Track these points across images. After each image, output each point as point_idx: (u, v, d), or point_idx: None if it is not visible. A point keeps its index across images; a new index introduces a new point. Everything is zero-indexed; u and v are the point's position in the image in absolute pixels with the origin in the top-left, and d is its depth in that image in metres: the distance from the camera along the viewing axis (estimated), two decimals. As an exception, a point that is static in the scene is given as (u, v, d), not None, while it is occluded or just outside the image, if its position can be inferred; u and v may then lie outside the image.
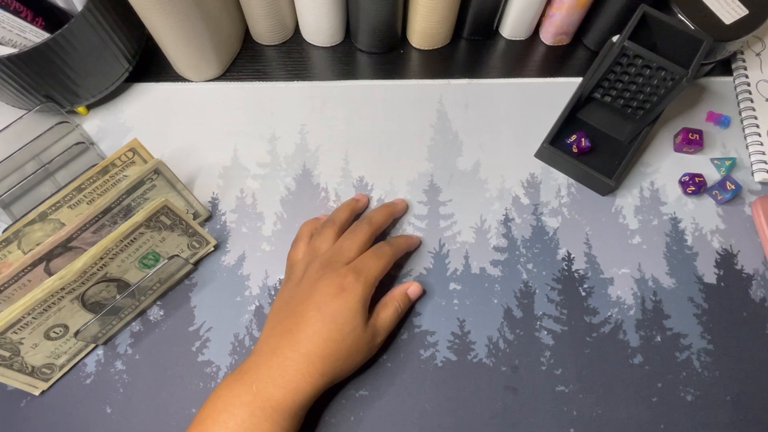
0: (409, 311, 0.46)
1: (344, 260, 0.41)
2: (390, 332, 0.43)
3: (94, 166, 0.43)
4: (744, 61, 0.55)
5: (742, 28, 0.48)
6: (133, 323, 0.45)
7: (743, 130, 0.53)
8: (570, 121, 0.51)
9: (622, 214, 0.50)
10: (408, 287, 0.44)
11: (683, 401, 0.43)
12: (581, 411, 0.43)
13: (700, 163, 0.52)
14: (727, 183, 0.49)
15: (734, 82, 0.55)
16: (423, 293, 0.46)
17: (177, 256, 0.43)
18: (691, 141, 0.51)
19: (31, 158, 0.50)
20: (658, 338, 0.45)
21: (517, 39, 0.58)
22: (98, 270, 0.39)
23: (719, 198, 0.49)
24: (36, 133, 0.49)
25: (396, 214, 0.48)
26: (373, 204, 0.50)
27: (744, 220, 0.49)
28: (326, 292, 0.39)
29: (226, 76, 0.56)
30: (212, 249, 0.47)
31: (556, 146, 0.50)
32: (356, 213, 0.47)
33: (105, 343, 0.44)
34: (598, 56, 0.49)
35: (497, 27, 0.58)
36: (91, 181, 0.43)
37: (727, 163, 0.51)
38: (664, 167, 0.52)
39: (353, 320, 0.39)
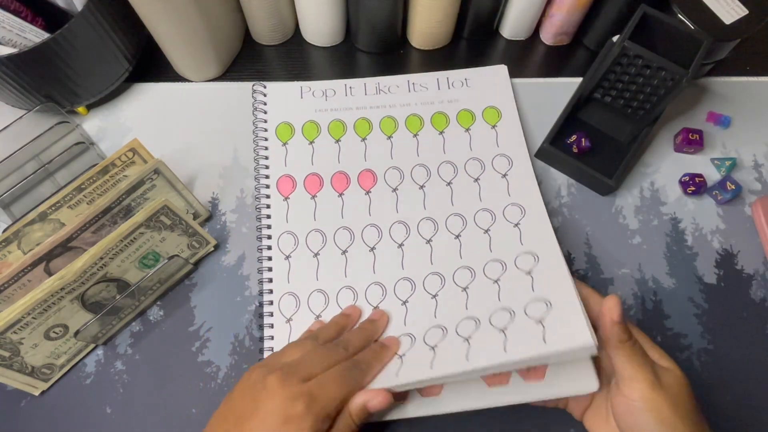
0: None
1: (302, 375, 0.35)
2: None
3: (94, 166, 0.43)
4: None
5: (742, 28, 0.48)
6: (133, 323, 0.45)
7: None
8: (570, 121, 0.51)
9: (622, 214, 0.50)
10: (366, 399, 0.35)
11: (683, 401, 0.43)
12: (581, 411, 0.42)
13: (700, 163, 0.52)
14: (727, 183, 0.49)
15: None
16: (388, 405, 0.36)
17: (177, 256, 0.43)
18: (691, 141, 0.51)
19: (31, 158, 0.50)
20: (658, 338, 0.45)
21: (517, 39, 0.58)
22: (98, 270, 0.39)
23: (719, 198, 0.49)
24: (36, 133, 0.48)
25: (383, 358, 0.39)
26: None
27: (744, 220, 0.49)
28: (267, 421, 0.33)
29: (226, 76, 0.56)
30: (212, 249, 0.47)
31: (556, 146, 0.50)
32: (345, 330, 0.41)
33: (105, 343, 0.44)
34: (598, 56, 0.49)
35: (497, 27, 0.58)
36: (91, 181, 0.43)
37: (727, 163, 0.51)
38: (664, 167, 0.52)
39: None
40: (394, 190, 0.48)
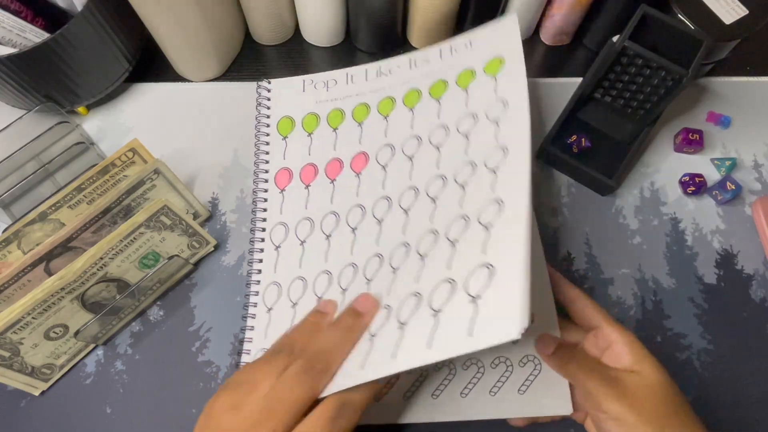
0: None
1: (275, 425, 0.30)
2: None
3: (94, 166, 0.43)
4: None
5: (742, 28, 0.48)
6: (133, 323, 0.45)
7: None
8: (570, 121, 0.51)
9: (622, 214, 0.50)
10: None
11: (683, 401, 0.43)
12: (581, 411, 0.43)
13: (700, 163, 0.52)
14: (727, 183, 0.49)
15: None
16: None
17: (177, 256, 0.43)
18: (692, 141, 0.51)
19: (31, 158, 0.50)
20: (658, 338, 0.45)
21: (517, 39, 0.58)
22: (98, 270, 0.39)
23: (719, 198, 0.49)
24: (36, 133, 0.49)
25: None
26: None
27: (744, 220, 0.49)
28: None
29: (226, 76, 0.56)
30: (212, 249, 0.47)
31: (556, 146, 0.50)
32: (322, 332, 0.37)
33: (105, 343, 0.44)
34: (599, 56, 0.49)
35: (497, 27, 0.58)
36: (91, 181, 0.43)
37: (727, 163, 0.51)
38: (664, 167, 0.52)
39: None
40: (384, 167, 0.45)
